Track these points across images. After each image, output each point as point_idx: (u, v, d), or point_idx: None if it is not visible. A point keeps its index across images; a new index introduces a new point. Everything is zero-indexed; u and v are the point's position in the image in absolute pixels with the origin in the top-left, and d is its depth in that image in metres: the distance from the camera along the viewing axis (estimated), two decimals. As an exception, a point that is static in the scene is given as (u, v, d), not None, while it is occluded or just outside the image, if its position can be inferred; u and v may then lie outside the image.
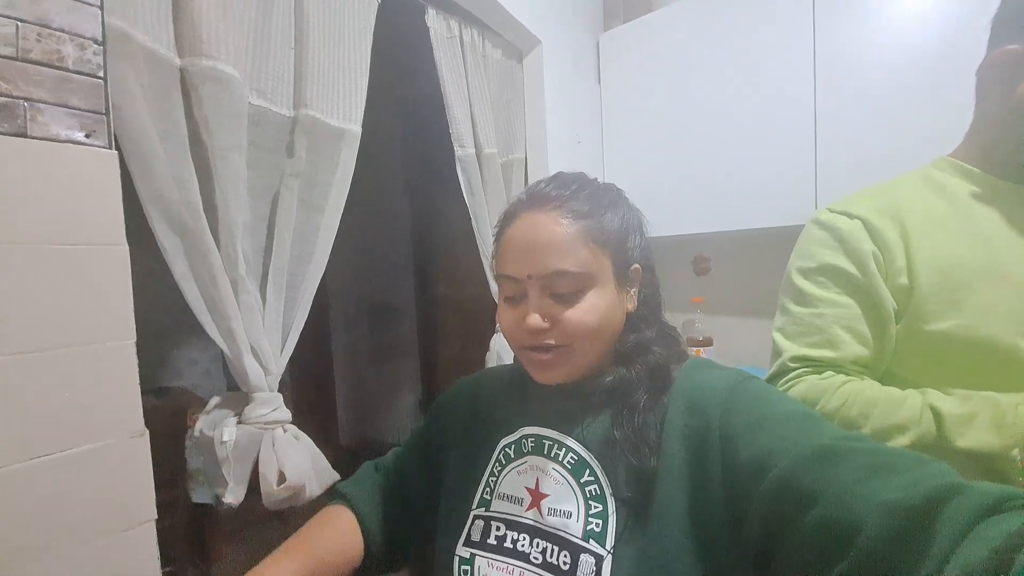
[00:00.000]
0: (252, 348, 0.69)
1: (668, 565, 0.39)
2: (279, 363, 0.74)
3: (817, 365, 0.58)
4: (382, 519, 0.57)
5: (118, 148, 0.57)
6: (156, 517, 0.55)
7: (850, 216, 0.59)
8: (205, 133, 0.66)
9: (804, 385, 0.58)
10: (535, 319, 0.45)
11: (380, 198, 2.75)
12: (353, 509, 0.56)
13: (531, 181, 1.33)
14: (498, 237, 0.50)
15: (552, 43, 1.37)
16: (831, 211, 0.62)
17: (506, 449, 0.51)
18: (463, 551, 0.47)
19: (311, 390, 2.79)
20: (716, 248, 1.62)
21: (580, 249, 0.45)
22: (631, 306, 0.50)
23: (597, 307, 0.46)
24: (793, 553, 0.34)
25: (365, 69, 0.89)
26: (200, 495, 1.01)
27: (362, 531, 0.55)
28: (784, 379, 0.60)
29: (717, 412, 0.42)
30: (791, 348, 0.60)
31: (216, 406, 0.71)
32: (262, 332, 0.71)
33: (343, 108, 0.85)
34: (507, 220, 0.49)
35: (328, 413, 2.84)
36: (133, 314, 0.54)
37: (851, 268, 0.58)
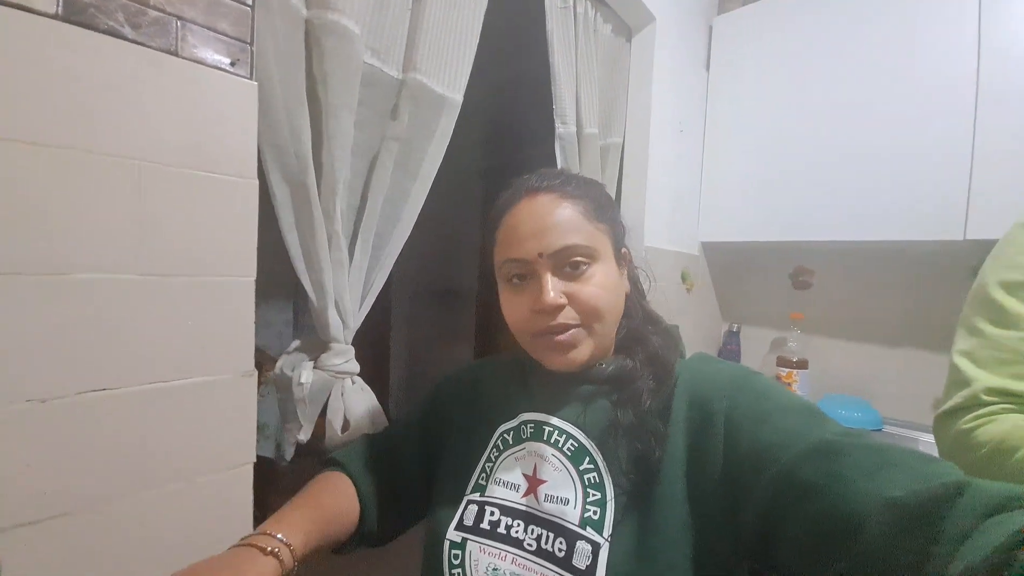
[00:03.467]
0: (335, 301, 0.71)
1: (665, 554, 0.39)
2: (356, 318, 0.76)
3: (1021, 401, 0.49)
4: (375, 493, 0.56)
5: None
6: (255, 460, 0.55)
7: None
8: (322, 88, 0.68)
9: (1006, 425, 0.48)
10: (552, 295, 0.44)
11: (457, 179, 2.78)
12: (351, 478, 0.56)
13: (627, 168, 1.26)
14: (494, 229, 0.52)
15: (665, 22, 1.27)
16: None
17: (504, 435, 0.51)
18: (454, 535, 0.47)
19: (367, 362, 2.93)
20: (821, 260, 1.44)
21: (585, 224, 0.47)
22: (626, 288, 0.51)
23: (606, 284, 0.47)
24: (793, 546, 0.34)
25: (476, 35, 0.87)
26: (264, 448, 1.08)
27: (359, 499, 0.54)
28: (974, 414, 0.50)
29: (721, 406, 0.41)
30: (986, 378, 0.51)
31: (296, 348, 0.74)
32: (346, 287, 0.73)
33: (449, 75, 0.84)
34: (502, 211, 0.51)
35: (381, 385, 2.98)
36: (256, 251, 0.55)
37: None
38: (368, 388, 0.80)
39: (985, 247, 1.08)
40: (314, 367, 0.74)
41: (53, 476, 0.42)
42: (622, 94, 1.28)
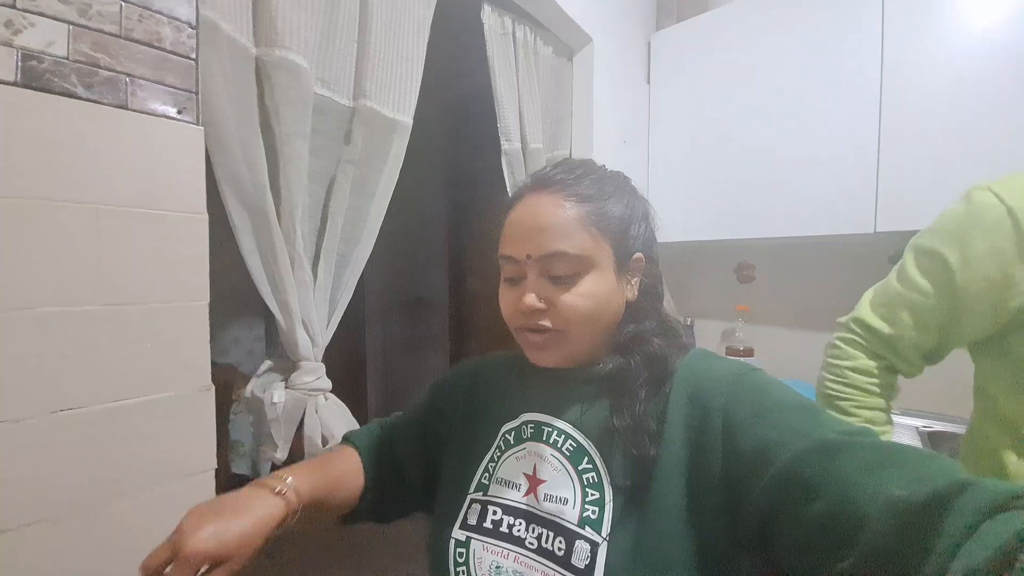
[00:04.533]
0: (303, 320, 0.74)
1: (663, 552, 0.39)
2: (324, 336, 0.79)
3: (871, 338, 0.64)
4: (378, 474, 0.58)
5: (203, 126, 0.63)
6: (216, 467, 0.60)
7: (1001, 200, 0.53)
8: (275, 119, 0.72)
9: (851, 362, 0.65)
10: (531, 299, 0.45)
11: (420, 193, 2.82)
12: (359, 452, 0.58)
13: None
14: (503, 219, 0.51)
15: (603, 42, 1.37)
16: (985, 188, 0.56)
17: (507, 435, 0.52)
18: (459, 534, 0.48)
19: (343, 375, 2.91)
20: (762, 255, 1.56)
21: (580, 232, 0.46)
22: (631, 295, 0.50)
23: (593, 292, 0.46)
24: (793, 544, 0.34)
25: (421, 62, 0.93)
26: (240, 466, 1.08)
27: (364, 476, 0.57)
28: (840, 335, 0.67)
29: (719, 402, 0.41)
30: (863, 311, 0.65)
31: (267, 371, 0.77)
32: (312, 306, 0.76)
33: (398, 100, 0.89)
34: (511, 202, 0.50)
35: (359, 397, 2.96)
36: (208, 278, 0.60)
37: (955, 263, 0.56)
38: (342, 404, 0.83)
39: (894, 238, 1.23)
40: (285, 387, 0.76)
41: (29, 487, 0.48)
42: (567, 110, 1.36)
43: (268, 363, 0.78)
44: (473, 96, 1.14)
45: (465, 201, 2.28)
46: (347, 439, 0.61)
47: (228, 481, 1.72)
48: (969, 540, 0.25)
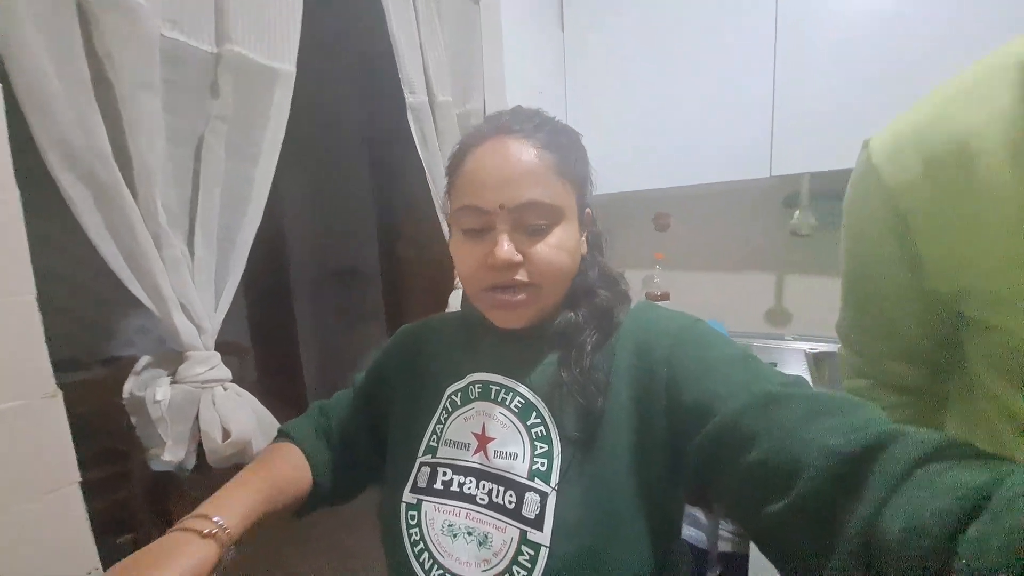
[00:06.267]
0: (182, 305, 0.66)
1: (611, 499, 0.41)
2: (214, 321, 0.71)
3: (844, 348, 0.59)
4: (327, 459, 0.57)
5: (5, 82, 0.51)
6: (80, 479, 0.53)
7: (869, 157, 0.43)
8: (110, 70, 0.60)
9: (846, 383, 0.58)
10: (508, 251, 0.42)
11: (341, 156, 2.62)
12: (299, 446, 0.56)
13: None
14: (455, 168, 0.48)
15: (511, -18, 1.28)
16: (867, 141, 0.45)
17: (453, 396, 0.51)
18: (409, 497, 0.48)
19: (276, 352, 2.75)
20: (676, 204, 1.63)
21: (553, 180, 0.44)
22: (584, 249, 0.50)
23: (565, 244, 0.45)
24: (730, 490, 0.36)
25: (298, 2, 0.81)
26: (159, 464, 0.98)
27: (310, 466, 0.55)
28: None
29: (664, 355, 0.43)
30: None
31: (146, 366, 0.68)
32: (191, 287, 0.67)
33: (273, 44, 0.78)
34: (466, 149, 0.46)
35: (294, 374, 2.83)
36: (31, 266, 0.50)
37: (843, 241, 0.50)
38: (246, 393, 0.76)
39: (787, 182, 1.33)
40: (172, 382, 0.69)
41: None
42: (477, 60, 1.28)
43: (147, 358, 0.69)
44: (384, 52, 1.03)
45: (388, 162, 2.14)
46: (283, 433, 0.58)
47: (151, 480, 1.60)
48: (901, 488, 0.26)
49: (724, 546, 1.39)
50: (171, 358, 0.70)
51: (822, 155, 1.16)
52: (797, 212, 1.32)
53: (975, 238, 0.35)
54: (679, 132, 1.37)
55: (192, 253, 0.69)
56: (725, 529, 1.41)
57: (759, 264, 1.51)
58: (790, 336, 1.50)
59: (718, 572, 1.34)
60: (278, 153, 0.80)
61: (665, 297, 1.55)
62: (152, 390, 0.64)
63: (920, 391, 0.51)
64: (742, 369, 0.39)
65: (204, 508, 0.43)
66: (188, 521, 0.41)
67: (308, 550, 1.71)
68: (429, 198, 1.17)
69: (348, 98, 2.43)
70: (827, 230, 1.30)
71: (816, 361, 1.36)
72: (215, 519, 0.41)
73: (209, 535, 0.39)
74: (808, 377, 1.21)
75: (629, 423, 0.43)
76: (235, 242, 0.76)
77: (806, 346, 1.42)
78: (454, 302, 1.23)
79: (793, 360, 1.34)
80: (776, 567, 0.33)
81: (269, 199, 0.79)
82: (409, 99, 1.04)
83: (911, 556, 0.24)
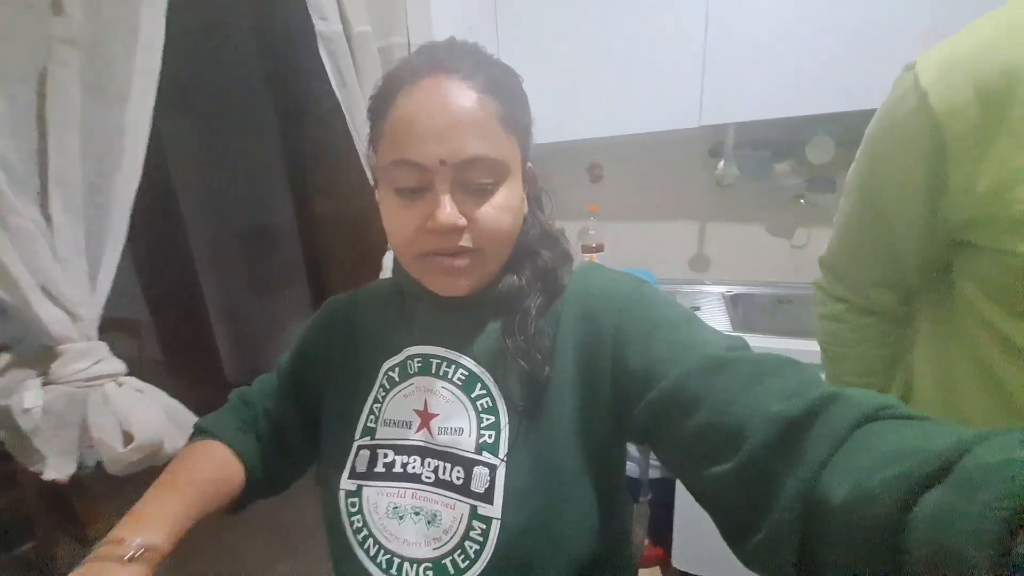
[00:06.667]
0: (43, 288, 0.52)
1: (560, 466, 0.41)
2: (91, 304, 0.58)
3: (828, 276, 0.61)
4: (256, 450, 0.52)
5: None
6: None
7: (917, 81, 0.42)
8: None
9: (820, 308, 0.61)
10: (452, 214, 0.38)
11: (236, 97, 2.24)
12: (223, 441, 0.50)
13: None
14: (382, 111, 0.40)
15: None
16: (911, 65, 0.43)
17: (390, 373, 0.48)
18: (348, 484, 0.45)
19: (183, 327, 2.44)
20: (608, 154, 1.63)
21: (498, 132, 0.39)
22: (525, 208, 0.46)
23: (510, 204, 0.41)
24: (677, 454, 0.36)
25: None
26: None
27: (240, 461, 0.50)
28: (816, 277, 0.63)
29: (610, 320, 0.42)
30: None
31: (5, 368, 0.54)
32: (53, 265, 0.53)
33: (129, -57, 0.60)
34: (395, 88, 0.39)
35: (207, 350, 2.55)
36: None
37: (863, 166, 0.50)
38: (149, 386, 0.64)
39: (714, 132, 1.37)
40: (44, 383, 0.55)
41: None
42: (398, -16, 1.11)
43: (6, 357, 0.54)
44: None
45: (296, 102, 1.87)
46: (202, 430, 0.51)
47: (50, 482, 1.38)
48: (841, 448, 0.26)
49: (654, 473, 1.53)
50: (39, 355, 0.57)
51: (750, 105, 1.20)
52: (721, 163, 1.37)
53: (1015, 167, 0.37)
54: (614, 80, 1.33)
55: (49, 220, 0.55)
56: (655, 459, 1.55)
57: (685, 213, 1.57)
58: (709, 281, 1.61)
59: (648, 496, 1.49)
60: (154, 92, 0.64)
61: (600, 249, 1.57)
62: (18, 396, 0.52)
63: (888, 313, 0.56)
64: (686, 333, 0.39)
65: (123, 528, 0.39)
66: (105, 548, 0.36)
67: (248, 530, 1.62)
68: (350, 145, 1.03)
69: (243, 24, 2.05)
70: (747, 181, 1.38)
71: (732, 302, 1.49)
72: (136, 541, 0.37)
73: (132, 559, 0.36)
74: (725, 316, 1.31)
75: (574, 388, 0.42)
76: (109, 204, 0.61)
77: (723, 289, 1.54)
78: (388, 264, 1.14)
79: (712, 302, 1.45)
80: (717, 527, 0.34)
81: (151, 150, 0.64)
82: (319, 26, 0.88)
83: (857, 524, 0.23)
